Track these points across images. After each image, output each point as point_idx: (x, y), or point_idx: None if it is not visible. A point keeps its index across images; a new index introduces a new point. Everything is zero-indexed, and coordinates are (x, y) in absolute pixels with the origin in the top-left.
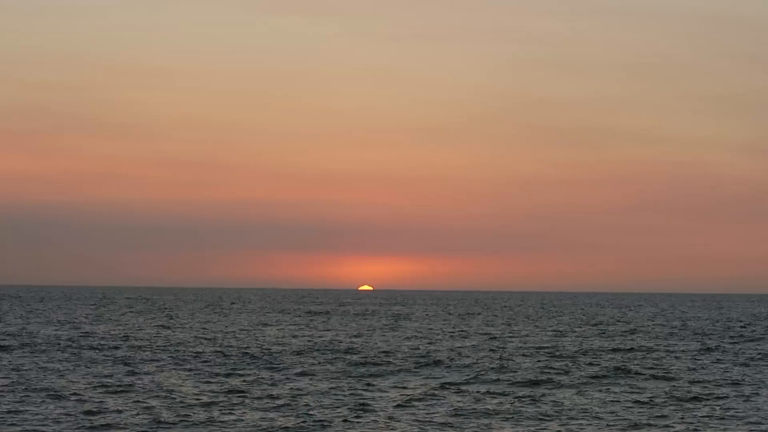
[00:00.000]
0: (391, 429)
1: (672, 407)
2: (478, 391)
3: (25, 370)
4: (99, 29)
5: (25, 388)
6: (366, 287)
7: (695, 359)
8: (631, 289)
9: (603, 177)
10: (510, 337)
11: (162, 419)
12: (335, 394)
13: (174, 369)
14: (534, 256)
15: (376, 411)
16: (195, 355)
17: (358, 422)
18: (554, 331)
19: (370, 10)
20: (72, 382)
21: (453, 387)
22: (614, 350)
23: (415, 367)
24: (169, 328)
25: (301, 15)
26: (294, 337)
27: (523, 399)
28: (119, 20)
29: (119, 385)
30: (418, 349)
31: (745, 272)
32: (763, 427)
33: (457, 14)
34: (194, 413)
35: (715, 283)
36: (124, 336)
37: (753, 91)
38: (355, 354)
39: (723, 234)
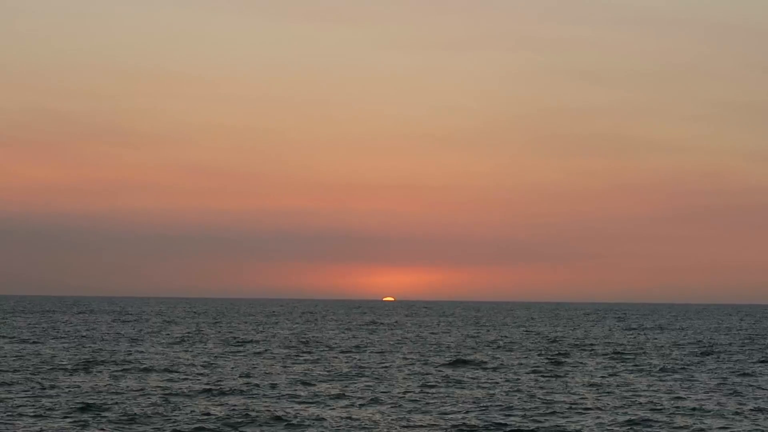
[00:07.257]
0: None
1: None
2: None
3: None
4: (126, 38)
5: None
6: (389, 298)
7: None
8: (652, 300)
9: (622, 186)
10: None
11: None
12: None
13: None
14: (555, 267)
15: None
16: None
17: None
18: None
19: (392, 20)
20: None
21: None
22: None
23: None
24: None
25: (325, 24)
26: None
27: None
28: (146, 29)
29: None
30: None
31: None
32: None
33: (476, 23)
34: None
35: (742, 293)
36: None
37: None
38: None
39: (746, 243)
